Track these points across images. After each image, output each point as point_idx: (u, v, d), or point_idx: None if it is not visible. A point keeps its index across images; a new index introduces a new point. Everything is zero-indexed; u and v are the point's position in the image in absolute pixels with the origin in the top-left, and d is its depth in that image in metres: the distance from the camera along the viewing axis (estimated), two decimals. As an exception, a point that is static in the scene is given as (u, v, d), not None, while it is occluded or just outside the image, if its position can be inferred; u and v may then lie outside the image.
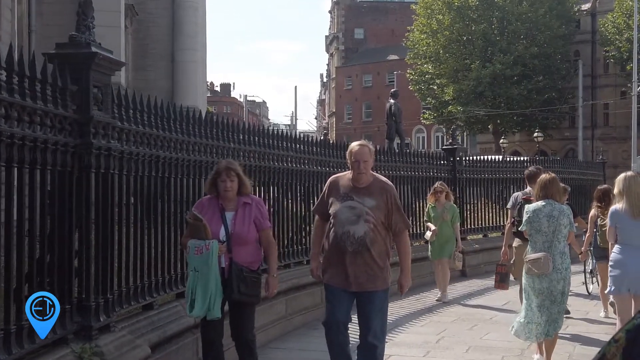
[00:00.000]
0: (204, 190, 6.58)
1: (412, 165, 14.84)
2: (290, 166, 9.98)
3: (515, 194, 10.80)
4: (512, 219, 10.16)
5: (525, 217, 7.84)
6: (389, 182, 6.33)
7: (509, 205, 10.72)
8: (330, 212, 6.21)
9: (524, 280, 7.97)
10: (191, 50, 28.55)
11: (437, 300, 12.36)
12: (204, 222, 5.80)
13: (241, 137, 8.69)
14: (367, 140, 6.64)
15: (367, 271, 6.09)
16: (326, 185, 6.44)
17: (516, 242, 10.03)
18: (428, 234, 12.89)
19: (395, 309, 11.27)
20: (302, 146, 10.37)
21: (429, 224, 12.98)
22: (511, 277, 10.44)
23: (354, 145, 6.16)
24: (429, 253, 13.01)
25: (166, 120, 6.81)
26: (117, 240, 5.95)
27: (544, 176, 7.89)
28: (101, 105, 5.45)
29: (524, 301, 7.96)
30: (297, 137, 10.66)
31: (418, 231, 14.31)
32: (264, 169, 9.29)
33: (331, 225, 6.19)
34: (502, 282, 10.35)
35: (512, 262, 10.12)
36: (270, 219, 6.59)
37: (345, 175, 6.32)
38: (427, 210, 13.31)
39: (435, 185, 13.19)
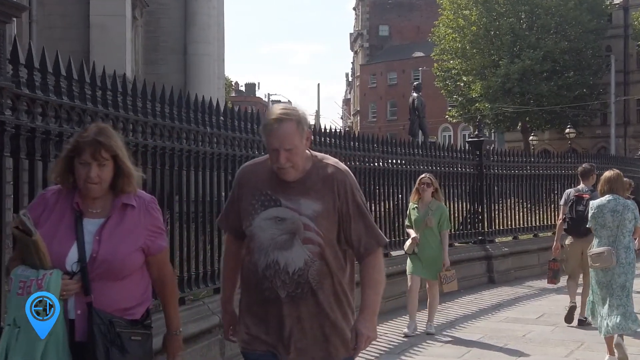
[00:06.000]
0: (50, 177, 3.74)
1: (434, 160, 13.30)
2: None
3: (568, 190, 10.47)
4: (564, 216, 10.07)
5: (590, 212, 7.94)
6: (342, 166, 3.66)
7: (561, 202, 10.44)
8: (245, 227, 3.62)
9: (591, 276, 8.05)
10: (204, 43, 27.39)
11: (404, 335, 9.14)
12: (36, 237, 3.21)
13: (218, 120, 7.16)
14: (294, 105, 3.64)
15: (315, 329, 3.56)
16: (235, 180, 3.80)
17: (568, 240, 10.04)
18: (408, 243, 9.57)
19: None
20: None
21: (410, 230, 9.62)
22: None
23: (269, 119, 3.49)
24: (407, 267, 9.59)
25: (101, 91, 5.25)
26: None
27: (608, 172, 8.00)
28: (-9, 63, 3.99)
29: (592, 297, 8.02)
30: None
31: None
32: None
33: (248, 252, 3.63)
34: (554, 278, 10.46)
35: (564, 257, 10.16)
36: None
37: (265, 163, 3.66)
38: (408, 212, 9.92)
39: (421, 177, 9.76)
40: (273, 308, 3.53)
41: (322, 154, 3.72)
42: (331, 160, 3.67)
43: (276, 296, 3.51)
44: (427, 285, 9.62)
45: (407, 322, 9.38)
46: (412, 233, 9.49)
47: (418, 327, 9.38)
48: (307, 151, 3.59)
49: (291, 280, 3.48)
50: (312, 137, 9.76)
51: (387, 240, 11.43)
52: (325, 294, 3.53)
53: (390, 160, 11.88)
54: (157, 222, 3.52)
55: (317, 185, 3.54)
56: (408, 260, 9.57)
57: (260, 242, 3.53)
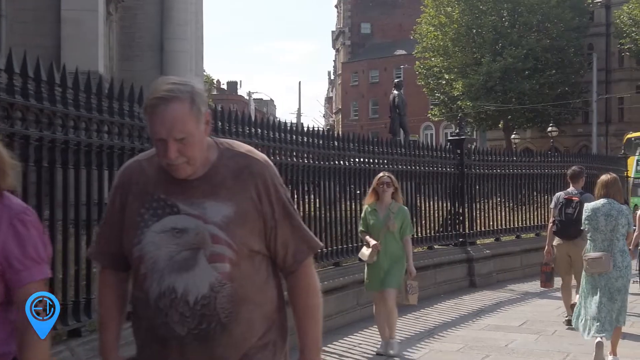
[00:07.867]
0: None
1: (413, 159, 12.78)
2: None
3: (558, 193, 10.32)
4: (554, 219, 10.03)
5: (584, 215, 7.90)
6: (259, 155, 2.75)
7: (551, 205, 10.37)
8: (129, 248, 2.67)
9: (583, 278, 7.99)
10: (181, 39, 26.92)
11: (377, 354, 8.12)
12: None
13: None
14: (186, 79, 2.62)
15: None
16: (114, 185, 2.81)
17: (556, 241, 10.00)
18: (365, 251, 8.38)
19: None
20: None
21: (367, 237, 8.44)
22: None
23: (151, 99, 2.54)
24: (365, 281, 8.56)
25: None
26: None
27: (605, 176, 7.93)
28: None
29: (581, 299, 7.95)
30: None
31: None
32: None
33: (137, 279, 2.67)
34: (547, 281, 10.47)
35: (553, 259, 10.17)
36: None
37: (154, 158, 2.69)
38: (363, 214, 8.71)
39: (380, 176, 8.56)
40: (171, 351, 2.59)
41: (230, 140, 2.79)
42: (243, 147, 2.73)
43: (174, 335, 2.57)
44: (382, 296, 8.28)
45: (380, 339, 8.34)
46: (371, 240, 8.34)
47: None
48: (208, 138, 2.67)
49: (193, 312, 2.54)
50: (293, 137, 9.27)
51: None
52: (242, 328, 2.60)
53: (367, 160, 11.35)
54: (25, 242, 2.55)
55: (227, 182, 2.62)
56: (366, 272, 8.50)
57: (153, 263, 2.58)
